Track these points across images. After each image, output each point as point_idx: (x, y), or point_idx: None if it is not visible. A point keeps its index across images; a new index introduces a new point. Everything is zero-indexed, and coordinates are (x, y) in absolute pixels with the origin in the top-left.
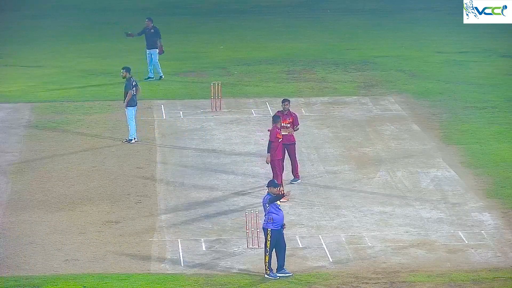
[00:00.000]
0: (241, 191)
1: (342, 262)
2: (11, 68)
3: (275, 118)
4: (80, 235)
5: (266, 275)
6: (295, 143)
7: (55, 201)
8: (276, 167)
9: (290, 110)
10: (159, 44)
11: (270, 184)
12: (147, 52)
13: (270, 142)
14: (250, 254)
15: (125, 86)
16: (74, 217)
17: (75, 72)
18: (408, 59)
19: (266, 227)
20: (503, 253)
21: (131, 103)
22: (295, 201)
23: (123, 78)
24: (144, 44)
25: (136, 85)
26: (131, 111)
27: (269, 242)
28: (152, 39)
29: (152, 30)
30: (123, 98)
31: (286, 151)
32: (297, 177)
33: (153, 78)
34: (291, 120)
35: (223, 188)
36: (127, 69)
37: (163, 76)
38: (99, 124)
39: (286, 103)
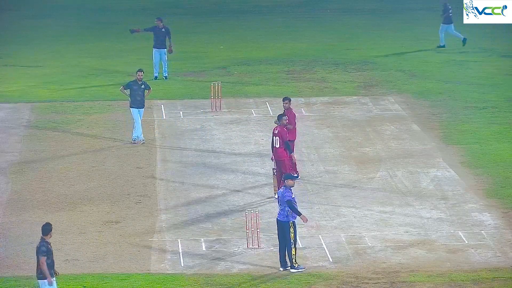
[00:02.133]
0: (241, 191)
1: (342, 262)
2: (11, 68)
3: (280, 117)
4: (80, 235)
5: (292, 269)
6: (294, 141)
7: (55, 201)
8: (288, 164)
9: (292, 109)
10: (168, 44)
11: (287, 177)
12: (154, 51)
13: (287, 142)
14: (250, 254)
15: (146, 87)
16: (74, 217)
17: (75, 72)
18: (408, 59)
19: (287, 220)
20: (503, 253)
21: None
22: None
23: (139, 80)
24: (144, 43)
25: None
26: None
27: (293, 234)
28: (162, 38)
29: (163, 30)
30: (131, 99)
31: None
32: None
33: (158, 77)
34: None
35: (223, 188)
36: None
37: (167, 77)
38: (99, 124)
39: (286, 101)
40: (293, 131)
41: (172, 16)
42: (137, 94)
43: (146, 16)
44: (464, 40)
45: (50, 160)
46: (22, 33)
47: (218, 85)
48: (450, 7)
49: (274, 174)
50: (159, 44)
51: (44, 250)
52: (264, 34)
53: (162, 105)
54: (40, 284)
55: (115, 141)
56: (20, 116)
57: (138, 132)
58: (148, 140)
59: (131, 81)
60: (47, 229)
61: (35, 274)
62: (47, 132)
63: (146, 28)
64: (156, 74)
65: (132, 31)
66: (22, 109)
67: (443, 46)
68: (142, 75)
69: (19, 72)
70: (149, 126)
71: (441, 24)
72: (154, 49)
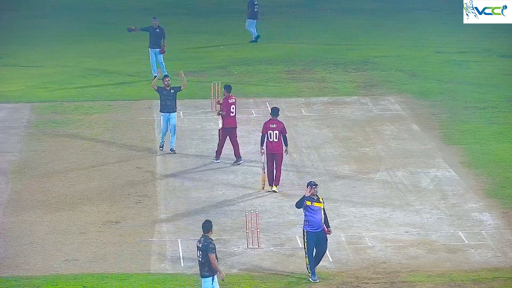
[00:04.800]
0: (241, 191)
1: (342, 262)
2: (11, 68)
3: (275, 111)
4: (80, 235)
5: (310, 279)
6: (235, 128)
7: (55, 201)
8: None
9: (230, 96)
10: (161, 44)
11: (307, 184)
12: (150, 51)
13: (285, 136)
14: (250, 254)
15: (177, 90)
16: (74, 217)
17: (75, 72)
18: (408, 59)
19: (303, 229)
20: (503, 253)
21: None
22: (296, 201)
23: (167, 86)
24: (144, 43)
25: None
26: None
27: (305, 244)
28: (156, 38)
29: (157, 30)
30: (161, 104)
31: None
32: (239, 157)
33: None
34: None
35: (223, 188)
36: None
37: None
38: (99, 124)
39: (224, 90)
40: (232, 118)
41: (172, 16)
42: (166, 99)
43: (146, 16)
44: (257, 37)
45: (50, 160)
46: (22, 33)
47: (218, 85)
48: (256, 3)
49: (263, 169)
50: (153, 44)
51: (213, 247)
52: (264, 34)
53: None
54: (204, 282)
55: (115, 141)
56: (20, 116)
57: (172, 141)
58: (148, 140)
59: (160, 87)
60: (208, 226)
61: (199, 272)
62: (47, 132)
63: (143, 28)
64: (155, 74)
65: (129, 30)
66: (22, 109)
67: (258, 37)
68: (168, 81)
69: (19, 72)
70: (149, 126)
71: (247, 20)
72: (149, 49)
